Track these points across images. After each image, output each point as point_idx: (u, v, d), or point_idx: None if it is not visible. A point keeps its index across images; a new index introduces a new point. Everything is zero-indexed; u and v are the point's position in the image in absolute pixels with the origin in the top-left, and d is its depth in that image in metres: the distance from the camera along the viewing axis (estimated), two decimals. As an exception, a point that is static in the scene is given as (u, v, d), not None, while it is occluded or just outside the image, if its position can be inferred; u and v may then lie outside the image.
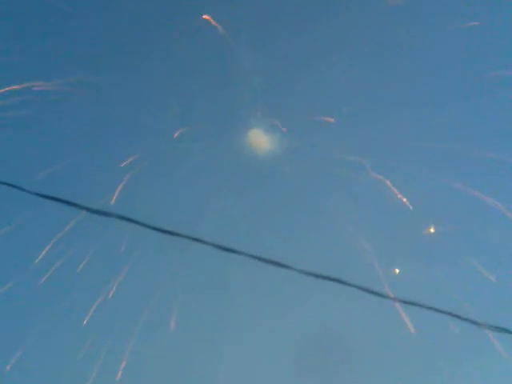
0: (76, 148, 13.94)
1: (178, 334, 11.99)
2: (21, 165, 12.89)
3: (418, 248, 13.06)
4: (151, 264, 12.69)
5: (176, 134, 13.56)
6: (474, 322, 6.42)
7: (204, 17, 13.53)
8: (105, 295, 12.46)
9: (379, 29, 14.54)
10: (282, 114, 13.70)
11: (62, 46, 14.35)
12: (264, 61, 13.88)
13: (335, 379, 11.32)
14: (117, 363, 12.17)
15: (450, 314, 5.64)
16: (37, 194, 5.69)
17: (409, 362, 11.53)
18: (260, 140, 13.04)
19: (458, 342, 10.95)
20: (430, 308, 5.79)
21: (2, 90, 14.59)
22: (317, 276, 6.92)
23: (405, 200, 13.15)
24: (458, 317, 5.71)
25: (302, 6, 14.14)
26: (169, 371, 11.72)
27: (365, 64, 14.30)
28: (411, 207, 13.10)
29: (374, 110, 14.18)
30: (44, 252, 14.01)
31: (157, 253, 11.94)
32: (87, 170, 13.44)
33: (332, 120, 13.23)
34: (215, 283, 12.22)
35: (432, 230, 13.57)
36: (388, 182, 13.63)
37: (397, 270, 12.63)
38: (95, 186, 12.75)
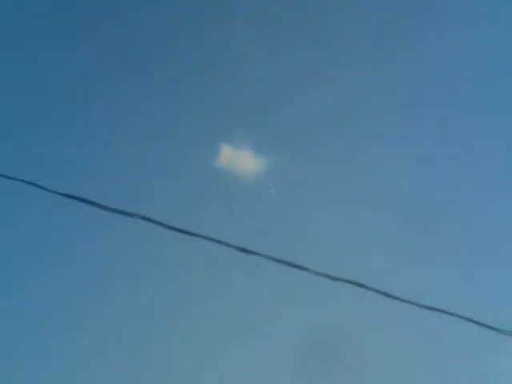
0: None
1: (185, 342, 11.95)
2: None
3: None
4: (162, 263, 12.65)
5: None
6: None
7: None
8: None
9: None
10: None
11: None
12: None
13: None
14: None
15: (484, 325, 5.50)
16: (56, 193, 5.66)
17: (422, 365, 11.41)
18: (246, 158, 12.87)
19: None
20: (453, 314, 5.69)
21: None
22: (335, 279, 6.85)
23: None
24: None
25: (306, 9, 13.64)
26: (178, 371, 11.72)
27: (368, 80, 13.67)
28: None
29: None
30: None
31: (171, 253, 11.91)
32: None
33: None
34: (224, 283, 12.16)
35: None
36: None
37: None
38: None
